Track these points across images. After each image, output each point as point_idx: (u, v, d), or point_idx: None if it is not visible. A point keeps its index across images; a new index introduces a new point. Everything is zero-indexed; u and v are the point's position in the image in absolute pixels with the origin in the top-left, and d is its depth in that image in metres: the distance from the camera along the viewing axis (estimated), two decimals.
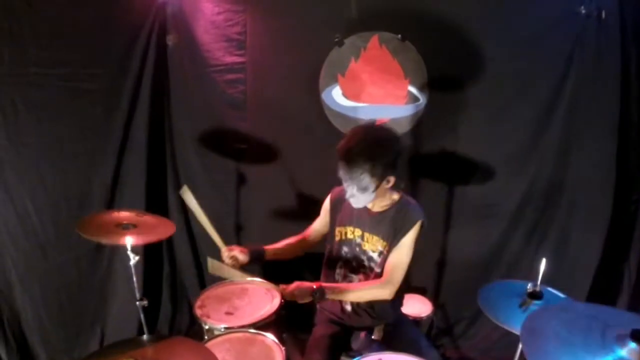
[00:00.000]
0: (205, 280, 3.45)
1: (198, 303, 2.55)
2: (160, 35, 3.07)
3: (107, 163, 2.97)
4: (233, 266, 2.35)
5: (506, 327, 1.70)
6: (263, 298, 2.58)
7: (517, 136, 2.84)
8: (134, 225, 2.40)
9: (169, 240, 3.36)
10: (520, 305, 1.75)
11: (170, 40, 3.12)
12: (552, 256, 2.85)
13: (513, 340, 3.01)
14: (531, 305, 1.74)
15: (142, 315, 2.56)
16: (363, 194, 2.06)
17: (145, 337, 1.94)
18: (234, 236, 3.34)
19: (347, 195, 2.10)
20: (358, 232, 2.28)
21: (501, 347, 3.02)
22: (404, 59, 2.87)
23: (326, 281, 2.43)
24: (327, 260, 2.45)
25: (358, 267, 2.30)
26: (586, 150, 2.77)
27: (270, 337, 2.24)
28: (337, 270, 2.36)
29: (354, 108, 2.97)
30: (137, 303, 2.53)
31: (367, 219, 2.25)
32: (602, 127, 2.72)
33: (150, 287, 3.25)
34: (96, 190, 2.95)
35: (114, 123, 2.96)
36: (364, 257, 2.28)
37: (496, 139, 2.86)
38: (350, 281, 2.33)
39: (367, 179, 2.00)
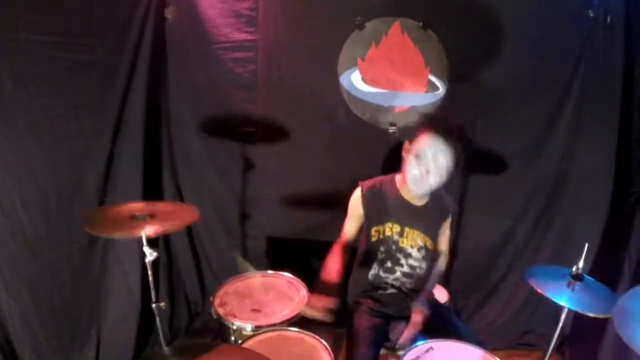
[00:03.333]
0: (203, 272, 3.17)
1: (217, 301, 2.24)
2: (159, 8, 2.67)
3: (101, 147, 2.52)
4: None
5: (557, 302, 1.73)
6: (288, 292, 2.35)
7: (530, 130, 2.81)
8: (151, 216, 2.04)
9: None
10: (568, 285, 1.77)
11: (169, 13, 2.72)
12: (556, 244, 2.93)
13: (518, 324, 3.12)
14: (576, 286, 1.77)
15: (157, 320, 2.16)
16: (445, 173, 1.96)
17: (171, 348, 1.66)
18: (238, 225, 3.06)
19: (425, 169, 1.94)
20: (397, 227, 2.10)
21: (506, 332, 3.04)
22: (425, 48, 2.68)
23: (356, 282, 2.27)
24: (360, 260, 2.25)
25: (393, 266, 2.14)
26: (589, 144, 2.79)
27: (309, 334, 2.03)
28: (371, 272, 2.18)
29: (374, 94, 2.75)
30: (153, 305, 2.12)
31: (408, 213, 2.09)
32: (605, 124, 2.75)
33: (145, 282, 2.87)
34: (89, 177, 2.48)
35: (110, 102, 2.51)
36: (400, 255, 2.12)
37: (510, 132, 2.81)
38: (386, 283, 2.17)
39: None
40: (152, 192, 2.79)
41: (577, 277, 1.81)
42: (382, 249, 2.14)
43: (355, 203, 2.16)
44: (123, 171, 2.64)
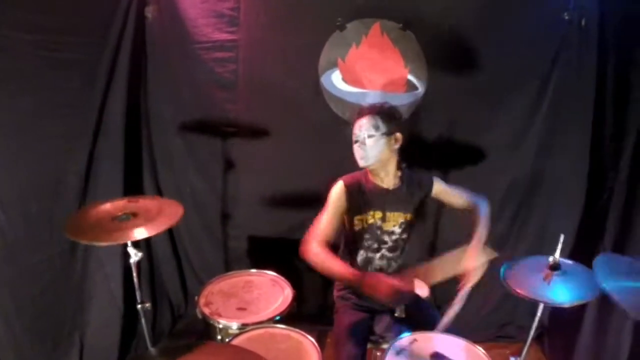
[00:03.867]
0: (185, 273, 3.19)
1: (202, 300, 2.28)
2: (140, 7, 2.68)
3: (82, 147, 2.52)
4: None
5: (534, 299, 1.84)
6: (272, 290, 2.40)
7: (507, 128, 2.92)
8: (134, 214, 2.07)
9: None
10: (545, 279, 1.89)
11: (150, 12, 2.73)
12: (533, 238, 3.08)
13: (497, 317, 3.26)
14: (553, 277, 1.89)
15: (143, 321, 2.22)
16: (374, 137, 2.11)
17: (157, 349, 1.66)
18: (219, 225, 3.09)
19: (358, 145, 2.14)
20: (379, 214, 2.20)
21: (486, 325, 3.15)
22: (405, 48, 2.79)
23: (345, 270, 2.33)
24: (345, 250, 2.33)
25: (379, 246, 2.24)
26: (564, 142, 2.92)
27: (295, 330, 2.08)
28: (359, 258, 2.27)
29: (354, 93, 2.84)
30: (139, 307, 2.18)
31: (386, 198, 2.20)
32: (579, 122, 2.88)
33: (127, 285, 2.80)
34: (70, 178, 2.48)
35: (91, 101, 2.52)
36: (385, 236, 2.23)
37: (488, 129, 2.91)
38: (372, 261, 2.27)
39: (380, 121, 2.12)
40: (133, 193, 2.73)
41: (554, 267, 1.93)
42: (367, 236, 2.24)
43: (339, 196, 2.22)
44: (104, 172, 2.64)
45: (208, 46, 2.78)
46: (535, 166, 2.97)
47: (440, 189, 2.28)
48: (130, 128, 2.77)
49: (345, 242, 2.33)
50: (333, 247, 2.31)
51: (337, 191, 2.22)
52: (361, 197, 2.21)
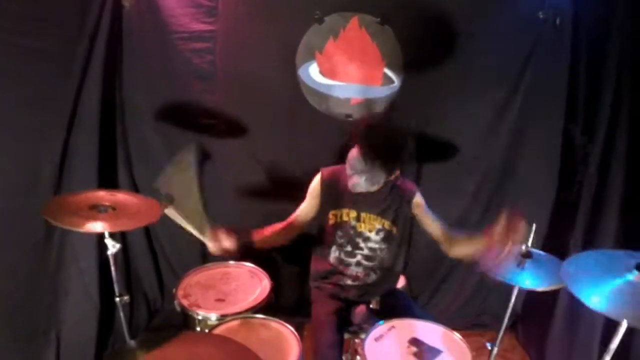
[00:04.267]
0: (160, 267, 3.17)
1: (180, 292, 2.31)
2: None
3: (57, 139, 2.47)
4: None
5: (508, 283, 1.90)
6: (250, 281, 2.43)
7: (480, 122, 3.00)
8: (113, 208, 2.05)
9: None
10: (519, 265, 1.95)
11: (127, 1, 2.69)
12: None
13: (473, 306, 3.35)
14: (526, 264, 1.96)
15: (121, 314, 2.20)
16: (371, 185, 2.10)
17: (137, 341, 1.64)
18: None
19: (353, 182, 2.10)
20: (353, 213, 2.24)
21: (461, 314, 3.25)
22: (382, 43, 2.83)
23: (318, 266, 2.40)
24: (318, 245, 2.38)
25: (353, 249, 2.27)
26: (536, 136, 3.03)
27: (275, 320, 2.12)
28: (332, 255, 2.31)
29: (330, 86, 2.88)
30: (117, 299, 2.17)
31: (363, 199, 2.22)
32: (551, 117, 2.99)
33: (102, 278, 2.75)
34: (45, 171, 2.43)
35: (67, 92, 2.47)
36: (359, 239, 2.26)
37: (461, 125, 2.98)
38: (348, 266, 2.30)
39: (381, 175, 2.07)
40: (108, 185, 2.70)
41: (527, 255, 2.00)
42: (339, 233, 2.28)
43: (315, 187, 2.29)
44: (79, 164, 2.60)
45: (185, 36, 2.76)
46: (508, 160, 3.08)
47: (419, 203, 2.28)
48: (106, 120, 2.73)
49: (319, 236, 2.36)
50: (310, 239, 2.43)
51: (314, 184, 2.29)
52: (337, 192, 2.25)
